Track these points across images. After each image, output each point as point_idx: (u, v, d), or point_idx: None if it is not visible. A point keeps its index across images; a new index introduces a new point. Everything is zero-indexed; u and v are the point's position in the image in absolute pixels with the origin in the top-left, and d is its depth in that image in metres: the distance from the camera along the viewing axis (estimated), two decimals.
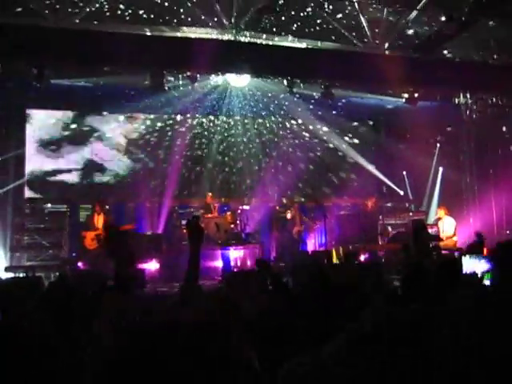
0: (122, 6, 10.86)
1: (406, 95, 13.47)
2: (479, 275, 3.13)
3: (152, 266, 11.42)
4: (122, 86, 12.85)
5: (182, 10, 11.20)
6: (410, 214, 14.78)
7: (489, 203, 14.87)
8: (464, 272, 2.80)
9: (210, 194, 13.35)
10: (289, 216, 13.14)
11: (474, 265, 2.77)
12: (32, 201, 13.32)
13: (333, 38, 12.27)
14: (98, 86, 12.70)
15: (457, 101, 15.80)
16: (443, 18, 11.40)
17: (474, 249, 6.03)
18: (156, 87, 11.76)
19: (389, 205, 15.29)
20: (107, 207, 12.32)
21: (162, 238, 12.90)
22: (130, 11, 11.02)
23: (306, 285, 3.70)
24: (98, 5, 10.56)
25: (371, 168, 15.81)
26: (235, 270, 11.57)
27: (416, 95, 13.27)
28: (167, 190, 14.06)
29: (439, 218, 12.48)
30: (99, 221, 11.54)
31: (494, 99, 14.98)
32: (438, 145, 15.91)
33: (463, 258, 2.73)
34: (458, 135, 15.85)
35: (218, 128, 15.09)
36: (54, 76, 11.63)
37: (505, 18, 11.64)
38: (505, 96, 14.28)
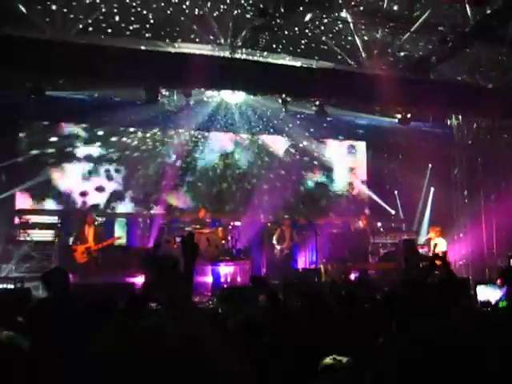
0: (118, 20, 10.91)
1: (398, 116, 13.59)
2: (493, 303, 3.13)
3: (141, 280, 11.34)
4: (117, 100, 12.88)
5: (178, 26, 11.26)
6: (401, 233, 14.79)
7: (479, 224, 14.95)
8: (479, 300, 2.83)
9: (204, 209, 13.35)
10: (275, 236, 13.15)
11: (488, 293, 2.79)
12: (23, 212, 13.24)
13: (327, 57, 12.38)
14: (93, 98, 12.74)
15: (449, 122, 15.96)
16: (436, 40, 11.51)
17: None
18: (150, 102, 11.80)
19: (380, 224, 15.31)
20: (98, 220, 12.29)
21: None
22: (126, 26, 11.07)
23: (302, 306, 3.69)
24: (94, 18, 10.59)
25: (363, 187, 15.87)
26: (225, 285, 11.52)
27: (409, 116, 13.38)
28: (159, 204, 14.07)
29: (430, 239, 12.53)
30: (90, 233, 11.52)
31: (486, 121, 15.13)
32: (430, 165, 16.02)
33: (477, 287, 2.75)
34: (450, 156, 15.98)
35: (211, 143, 15.10)
36: (48, 88, 11.65)
37: (496, 42, 11.79)
38: (495, 118, 14.42)
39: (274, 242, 13.11)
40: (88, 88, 12.54)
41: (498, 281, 2.73)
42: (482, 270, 12.24)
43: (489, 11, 10.26)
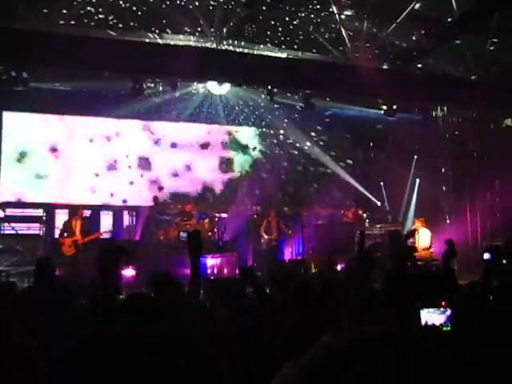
0: (103, 12, 10.81)
1: (384, 107, 13.62)
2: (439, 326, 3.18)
3: (129, 272, 11.32)
4: (102, 91, 12.79)
5: (163, 17, 11.18)
6: (387, 224, 14.86)
7: (464, 215, 15.07)
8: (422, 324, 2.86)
9: (191, 201, 13.35)
10: (262, 226, 13.18)
11: (432, 317, 2.82)
12: (7, 205, 13.12)
13: (314, 48, 12.37)
14: (78, 90, 12.63)
15: (434, 113, 16.04)
16: (422, 32, 11.55)
17: (448, 257, 6.13)
18: (136, 93, 11.74)
19: (366, 215, 15.37)
20: (85, 213, 12.22)
21: (139, 244, 12.82)
22: (111, 17, 10.97)
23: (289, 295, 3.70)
24: (79, 9, 10.49)
25: (349, 178, 15.91)
26: (211, 277, 11.52)
27: (394, 107, 13.42)
28: (146, 196, 14.03)
29: (416, 230, 12.60)
30: (77, 226, 11.43)
31: (470, 113, 15.23)
32: (416, 156, 16.10)
33: (421, 311, 2.78)
34: (435, 147, 16.06)
35: (197, 135, 15.06)
36: (33, 79, 11.53)
37: (480, 34, 11.86)
38: (479, 110, 14.51)
39: (262, 232, 13.13)
40: (72, 79, 12.41)
41: (442, 303, 2.77)
42: (466, 262, 12.33)
43: (473, 3, 10.30)
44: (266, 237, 13.05)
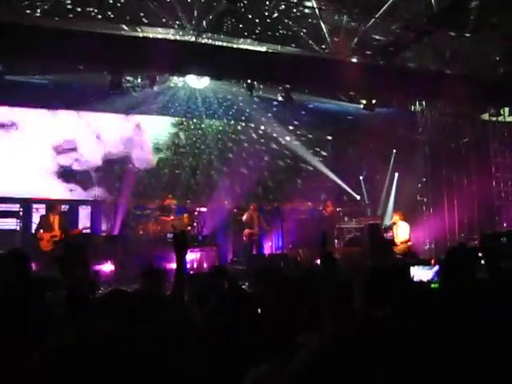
0: (81, 4, 10.67)
1: (363, 101, 13.67)
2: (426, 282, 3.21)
3: (107, 267, 11.26)
4: (80, 84, 12.63)
5: (142, 10, 11.08)
6: (366, 218, 14.97)
7: (442, 209, 15.24)
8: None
9: (170, 196, 13.28)
10: (245, 218, 13.18)
11: (421, 274, 2.86)
12: None
13: (293, 42, 12.36)
14: (55, 82, 12.46)
15: (413, 108, 16.16)
16: (401, 27, 11.59)
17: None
18: (114, 87, 11.62)
19: (345, 209, 15.46)
20: (63, 207, 12.08)
21: (118, 239, 12.74)
22: (89, 9, 10.84)
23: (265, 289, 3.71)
24: (56, 1, 10.34)
25: (329, 172, 15.97)
26: (191, 272, 11.50)
27: (373, 101, 13.48)
28: (124, 190, 13.91)
29: (394, 223, 12.71)
30: (55, 221, 11.27)
31: (449, 108, 15.37)
32: (394, 151, 16.21)
33: (411, 268, 2.82)
34: (414, 142, 16.18)
35: (176, 129, 14.99)
36: (8, 72, 11.37)
37: (459, 30, 11.95)
38: (457, 104, 14.65)
39: (244, 221, 13.10)
40: (49, 72, 12.24)
41: (432, 261, 2.83)
42: (443, 253, 12.50)
43: None
44: (247, 230, 13.05)
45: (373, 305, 3.07)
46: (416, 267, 2.83)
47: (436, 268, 2.74)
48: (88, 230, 12.48)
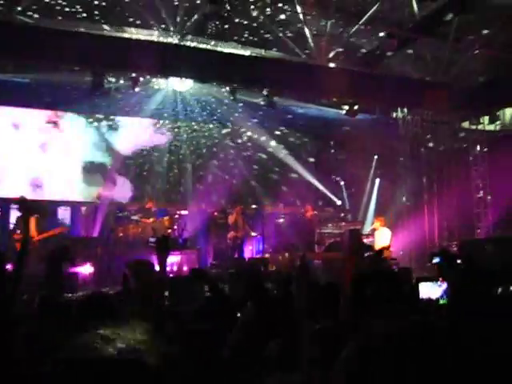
0: (65, 4, 10.60)
1: (346, 107, 13.71)
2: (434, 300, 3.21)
3: (86, 269, 11.14)
4: (62, 84, 12.50)
5: (126, 11, 11.03)
6: (347, 223, 15.00)
7: (422, 215, 15.34)
8: (421, 298, 2.90)
9: (151, 200, 13.21)
10: (230, 221, 13.15)
11: (429, 291, 2.86)
12: None
13: (277, 47, 12.40)
14: (37, 82, 12.33)
15: (394, 115, 16.27)
16: (384, 34, 11.68)
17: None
18: (96, 87, 11.50)
19: (326, 214, 15.49)
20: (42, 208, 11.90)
21: (98, 241, 12.62)
22: (73, 9, 10.77)
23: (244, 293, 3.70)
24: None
25: (310, 177, 16.00)
26: (171, 275, 11.44)
27: (356, 107, 13.53)
28: (104, 192, 13.80)
29: (375, 229, 12.75)
30: (32, 222, 11.05)
31: (430, 114, 15.49)
32: (376, 156, 16.31)
33: (420, 284, 2.82)
34: (395, 148, 16.29)
35: (159, 132, 14.90)
36: None
37: (441, 38, 12.08)
38: (438, 112, 14.78)
39: (229, 223, 13.07)
40: (32, 71, 12.09)
41: (440, 279, 2.84)
42: (423, 260, 12.57)
43: (434, 7, 10.46)
44: (232, 233, 13.01)
45: (360, 310, 3.07)
46: (424, 283, 2.82)
47: (445, 286, 2.73)
48: (66, 231, 12.31)
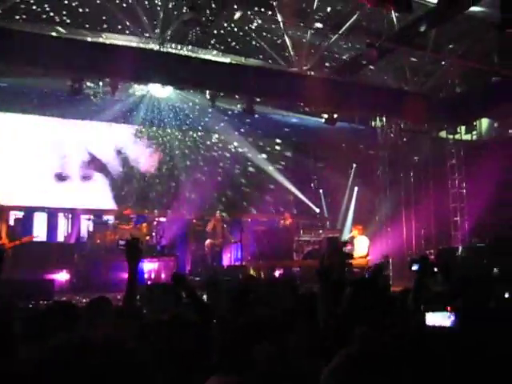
0: (42, 7, 10.51)
1: (325, 115, 13.76)
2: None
3: (62, 276, 11.01)
4: (40, 89, 12.36)
5: (105, 16, 10.97)
6: (325, 231, 15.05)
7: (400, 223, 15.47)
8: (427, 325, 2.90)
9: (130, 205, 13.12)
10: (208, 228, 13.11)
11: (436, 321, 2.85)
12: None
13: (257, 55, 12.44)
14: (15, 86, 12.18)
15: (373, 124, 16.42)
16: (364, 44, 11.78)
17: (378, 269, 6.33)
18: (74, 92, 11.37)
19: (304, 222, 15.52)
20: (16, 215, 11.72)
21: (74, 247, 12.49)
22: (52, 14, 10.69)
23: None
24: (19, 4, 10.14)
25: (289, 185, 16.04)
26: (149, 282, 11.35)
27: (335, 116, 13.60)
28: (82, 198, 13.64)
29: (353, 237, 12.81)
30: (2, 229, 10.73)
31: (408, 124, 15.66)
32: (354, 165, 16.43)
33: (427, 314, 2.82)
34: (374, 157, 16.43)
35: (138, 138, 14.80)
36: None
37: (417, 49, 12.25)
38: (416, 121, 14.95)
39: (207, 231, 13.02)
40: (7, 75, 11.93)
41: (448, 308, 2.84)
42: (401, 269, 12.68)
43: (412, 18, 10.59)
44: (209, 240, 12.97)
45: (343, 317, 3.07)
46: (431, 313, 2.81)
47: (453, 317, 2.73)
48: (39, 238, 12.02)
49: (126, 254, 3.38)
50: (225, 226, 13.39)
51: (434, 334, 1.66)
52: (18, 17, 10.50)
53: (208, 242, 12.99)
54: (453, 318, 2.70)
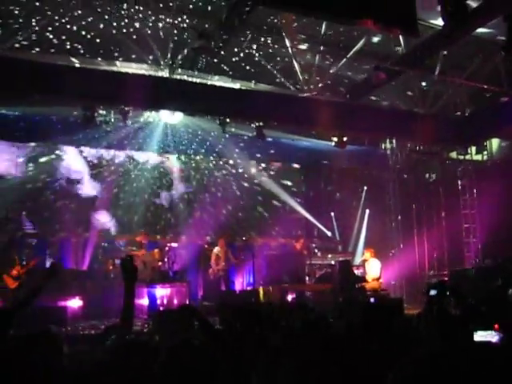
0: (57, 38, 10.72)
1: (335, 139, 13.78)
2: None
3: (75, 303, 11.03)
4: (52, 117, 12.51)
5: (117, 45, 11.16)
6: (337, 254, 14.97)
7: (412, 245, 15.39)
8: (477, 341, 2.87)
9: (142, 231, 13.17)
10: (214, 253, 13.07)
11: (484, 338, 2.82)
12: None
13: (266, 80, 12.56)
14: (27, 115, 12.34)
15: (383, 146, 16.44)
16: (372, 67, 11.86)
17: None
18: (87, 120, 11.50)
19: (316, 245, 15.46)
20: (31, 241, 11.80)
21: (87, 274, 12.52)
22: (64, 43, 10.89)
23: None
24: (30, 34, 10.35)
25: (300, 209, 16.04)
26: (161, 308, 11.34)
27: (345, 139, 13.62)
28: (93, 225, 13.70)
29: (365, 260, 12.75)
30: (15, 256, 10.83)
31: (418, 146, 15.67)
32: (365, 188, 16.41)
33: (474, 333, 2.79)
34: (384, 179, 16.42)
35: (149, 165, 14.89)
36: None
37: (425, 71, 12.32)
38: (425, 142, 14.94)
39: (212, 262, 13.02)
40: (21, 104, 12.10)
41: (495, 326, 2.81)
42: (414, 291, 12.59)
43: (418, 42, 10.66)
44: (213, 267, 12.96)
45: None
46: (479, 332, 2.78)
47: (500, 335, 2.71)
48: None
49: (122, 273, 3.37)
50: (228, 249, 13.32)
51: (487, 350, 1.65)
52: (30, 47, 10.69)
53: (211, 270, 12.99)
54: (500, 335, 2.67)
